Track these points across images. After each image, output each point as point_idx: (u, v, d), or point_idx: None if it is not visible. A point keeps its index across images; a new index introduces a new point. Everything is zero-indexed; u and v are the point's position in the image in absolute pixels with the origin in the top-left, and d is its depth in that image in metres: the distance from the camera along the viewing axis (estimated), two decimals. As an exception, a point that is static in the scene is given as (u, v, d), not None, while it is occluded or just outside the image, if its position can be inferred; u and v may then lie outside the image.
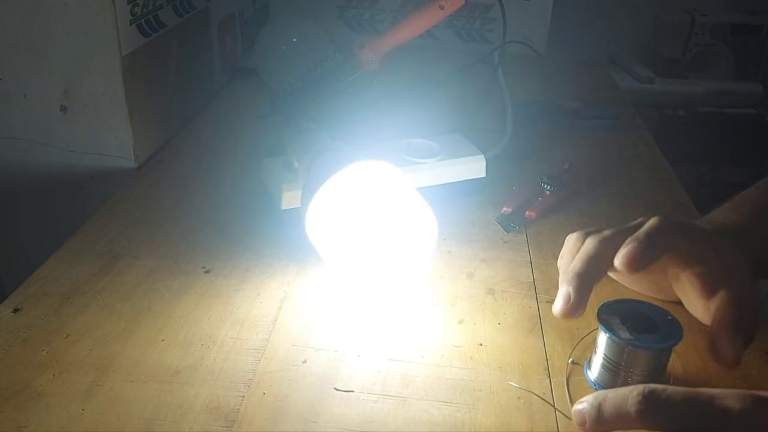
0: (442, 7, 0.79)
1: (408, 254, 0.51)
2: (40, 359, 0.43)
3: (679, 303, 0.49)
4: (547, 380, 0.43)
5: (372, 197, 0.50)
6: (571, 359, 0.45)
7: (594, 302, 0.43)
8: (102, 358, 0.43)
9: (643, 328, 0.41)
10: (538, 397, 0.42)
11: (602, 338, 0.42)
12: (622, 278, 0.53)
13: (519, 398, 0.42)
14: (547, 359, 0.45)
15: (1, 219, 0.74)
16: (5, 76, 0.66)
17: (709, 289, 0.45)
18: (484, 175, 0.64)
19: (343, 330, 0.47)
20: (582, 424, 0.37)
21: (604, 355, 0.42)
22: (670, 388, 0.35)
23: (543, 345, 0.46)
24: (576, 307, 0.42)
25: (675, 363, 0.44)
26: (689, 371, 0.44)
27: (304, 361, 0.44)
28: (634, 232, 0.44)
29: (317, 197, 0.48)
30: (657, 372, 0.41)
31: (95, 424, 0.38)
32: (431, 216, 0.50)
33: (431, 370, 0.44)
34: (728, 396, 0.34)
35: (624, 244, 0.43)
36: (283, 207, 0.57)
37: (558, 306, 0.42)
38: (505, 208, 0.62)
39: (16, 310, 0.47)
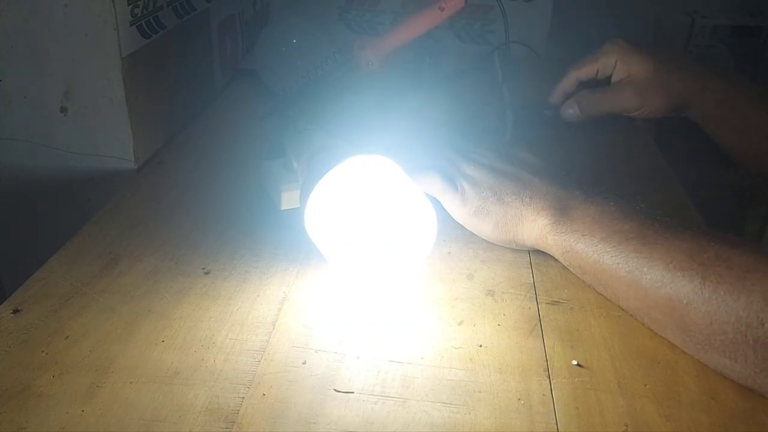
0: (442, 9, 0.79)
1: (408, 249, 0.51)
2: (40, 360, 0.43)
3: None
4: (547, 381, 0.43)
5: (372, 192, 0.50)
6: (575, 361, 0.45)
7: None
8: (102, 359, 0.43)
9: None
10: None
11: None
12: None
13: (519, 399, 0.42)
14: (547, 360, 0.45)
15: (1, 220, 0.74)
16: (5, 78, 0.66)
17: None
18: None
19: (343, 331, 0.47)
20: None
21: None
22: None
23: (543, 346, 0.46)
24: None
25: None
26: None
27: (304, 363, 0.44)
28: None
29: (316, 193, 0.48)
30: None
31: (95, 425, 0.38)
32: (431, 210, 0.50)
33: (431, 371, 0.44)
34: None
35: None
36: (282, 207, 0.57)
37: None
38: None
39: (16, 311, 0.47)
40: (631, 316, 0.48)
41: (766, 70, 1.13)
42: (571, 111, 0.74)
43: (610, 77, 0.74)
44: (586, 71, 0.73)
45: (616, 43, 0.70)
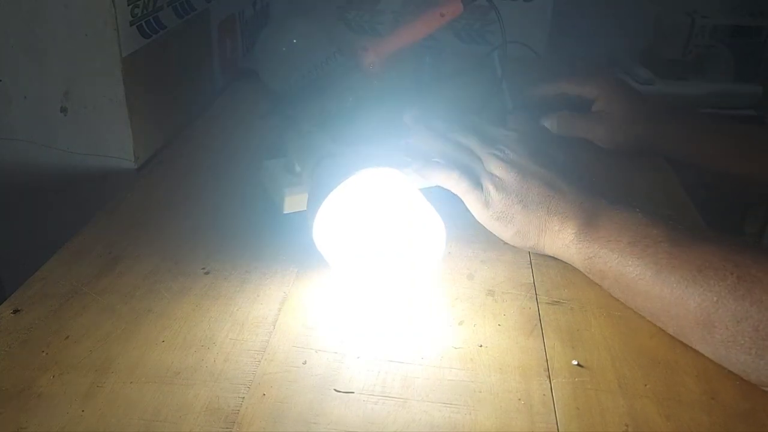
0: (442, 15, 0.80)
1: (416, 262, 0.51)
2: (40, 360, 0.43)
3: None
4: (548, 381, 0.43)
5: (381, 206, 0.50)
6: (575, 361, 0.45)
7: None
8: (102, 359, 0.43)
9: None
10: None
11: None
12: None
13: (519, 400, 0.42)
14: (547, 360, 0.45)
15: (1, 220, 0.74)
16: (5, 78, 0.66)
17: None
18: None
19: (344, 331, 0.47)
20: None
21: None
22: None
23: (543, 346, 0.46)
24: None
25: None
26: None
27: (304, 363, 0.44)
28: None
29: (325, 207, 0.48)
30: None
31: (95, 425, 0.38)
32: (440, 224, 0.50)
33: (431, 371, 0.44)
34: None
35: None
36: (285, 211, 0.56)
37: None
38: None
39: (16, 312, 0.47)
40: (646, 316, 0.48)
41: (766, 70, 1.13)
42: (547, 124, 0.77)
43: (588, 102, 0.78)
44: (570, 89, 0.78)
45: (605, 80, 0.76)
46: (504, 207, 0.54)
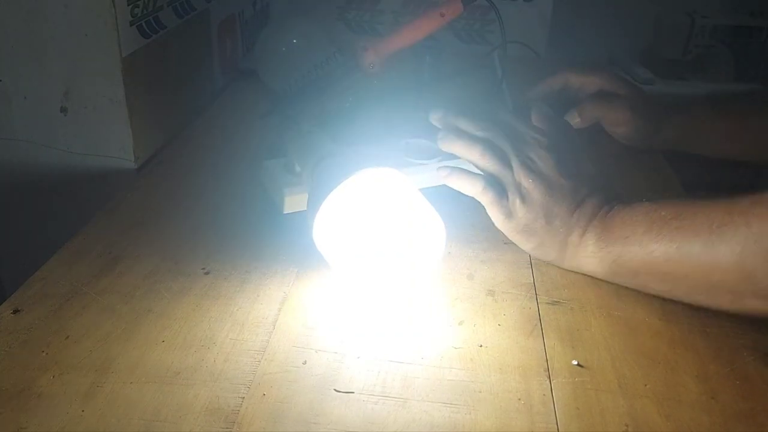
0: (442, 15, 0.81)
1: (417, 262, 0.51)
2: (40, 360, 0.43)
3: None
4: (548, 381, 0.43)
5: (381, 206, 0.50)
6: (575, 361, 0.45)
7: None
8: (102, 359, 0.43)
9: None
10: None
11: None
12: None
13: (519, 399, 0.42)
14: (547, 360, 0.45)
15: (1, 219, 0.74)
16: (5, 78, 0.67)
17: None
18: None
19: (344, 331, 0.47)
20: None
21: None
22: None
23: (543, 346, 0.46)
24: None
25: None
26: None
27: (305, 363, 0.44)
28: None
29: (325, 207, 0.48)
30: None
31: (95, 425, 0.38)
32: (440, 224, 0.50)
33: (431, 371, 0.44)
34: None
35: None
36: (285, 211, 0.56)
37: None
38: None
39: (16, 312, 0.47)
40: (690, 302, 0.49)
41: (766, 70, 1.13)
42: (569, 119, 0.77)
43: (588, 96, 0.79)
44: (574, 79, 0.79)
45: (606, 72, 0.78)
46: (528, 221, 0.54)
